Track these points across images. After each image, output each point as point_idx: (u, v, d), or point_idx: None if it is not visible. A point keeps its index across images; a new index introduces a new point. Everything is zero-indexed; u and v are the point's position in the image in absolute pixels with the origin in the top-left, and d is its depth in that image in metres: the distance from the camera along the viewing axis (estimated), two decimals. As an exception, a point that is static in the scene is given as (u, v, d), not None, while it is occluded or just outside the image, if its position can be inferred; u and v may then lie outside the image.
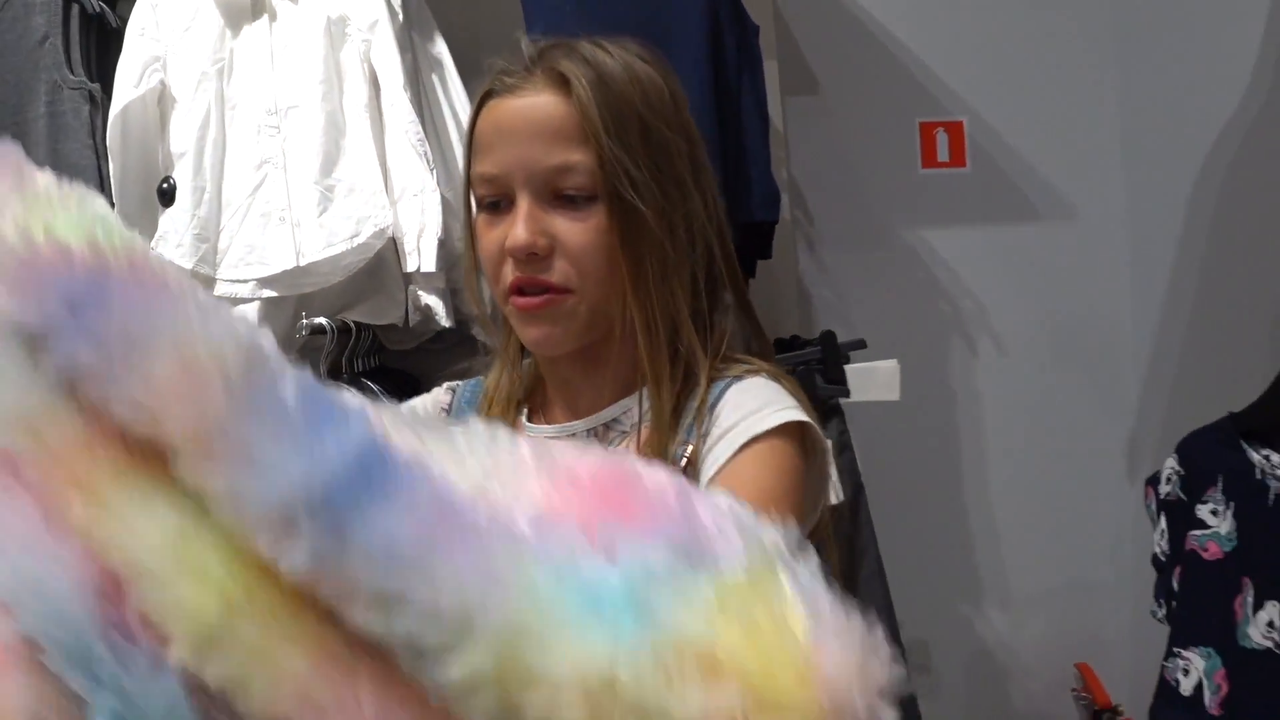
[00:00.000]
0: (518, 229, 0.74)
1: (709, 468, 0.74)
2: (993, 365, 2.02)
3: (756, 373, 0.80)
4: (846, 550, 1.47)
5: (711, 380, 0.78)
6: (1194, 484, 1.28)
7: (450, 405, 0.92)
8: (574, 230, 0.75)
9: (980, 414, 2.02)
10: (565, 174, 0.75)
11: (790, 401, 0.77)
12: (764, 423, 0.74)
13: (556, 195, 0.75)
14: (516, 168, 0.75)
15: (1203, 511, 1.23)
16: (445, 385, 0.95)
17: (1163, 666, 1.25)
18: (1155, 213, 1.94)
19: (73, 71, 1.55)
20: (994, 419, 2.02)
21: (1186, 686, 1.19)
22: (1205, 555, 1.21)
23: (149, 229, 1.49)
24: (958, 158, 2.01)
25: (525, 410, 0.87)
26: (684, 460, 0.75)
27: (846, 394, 1.49)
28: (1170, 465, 1.33)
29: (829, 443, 0.76)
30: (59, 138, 1.53)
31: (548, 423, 0.84)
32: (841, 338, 1.53)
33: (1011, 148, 2.01)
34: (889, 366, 1.52)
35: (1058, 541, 2.03)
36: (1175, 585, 1.29)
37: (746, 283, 1.65)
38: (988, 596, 2.05)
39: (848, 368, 1.50)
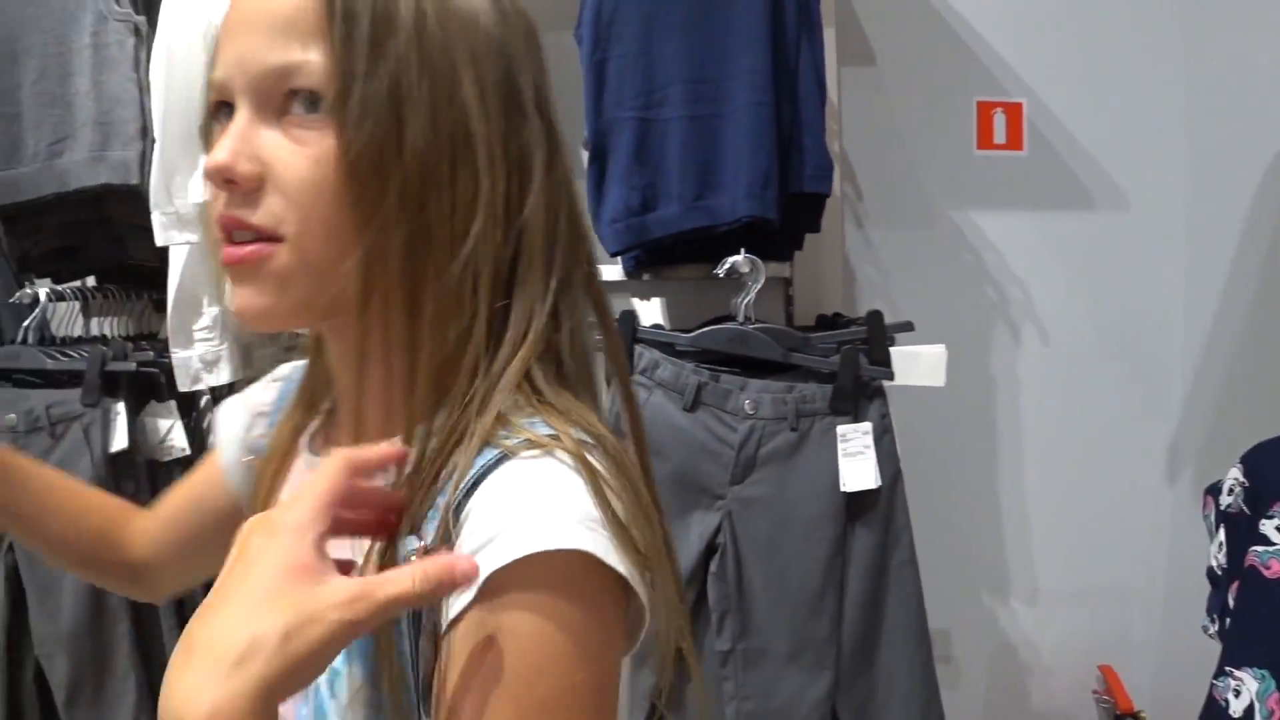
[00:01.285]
0: (217, 148, 0.55)
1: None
2: (1036, 355, 1.99)
3: (545, 448, 0.52)
4: (881, 534, 1.47)
5: (486, 441, 0.53)
6: (1260, 497, 1.26)
7: (271, 406, 0.75)
8: (289, 154, 0.54)
9: (1019, 404, 2.00)
10: (289, 77, 0.54)
11: (572, 512, 0.49)
12: (496, 559, 0.48)
13: (284, 111, 0.55)
14: (235, 68, 0.55)
15: (1267, 527, 1.21)
16: (271, 376, 0.78)
17: (1212, 685, 1.24)
18: (1216, 208, 1.91)
19: (119, 3, 1.53)
20: (1033, 410, 2.00)
21: (1236, 708, 1.17)
22: (1267, 573, 1.19)
23: (190, 166, 1.48)
24: (1014, 140, 1.97)
25: (313, 428, 0.68)
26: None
27: (891, 376, 1.47)
28: (1234, 476, 1.31)
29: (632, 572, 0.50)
30: (103, 69, 1.51)
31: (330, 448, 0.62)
32: (884, 317, 1.52)
33: (1070, 133, 1.97)
34: (935, 352, 1.50)
35: (1090, 540, 2.01)
36: (1230, 601, 1.28)
37: (792, 257, 1.66)
38: (1015, 590, 2.04)
39: (893, 350, 1.49)
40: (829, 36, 1.62)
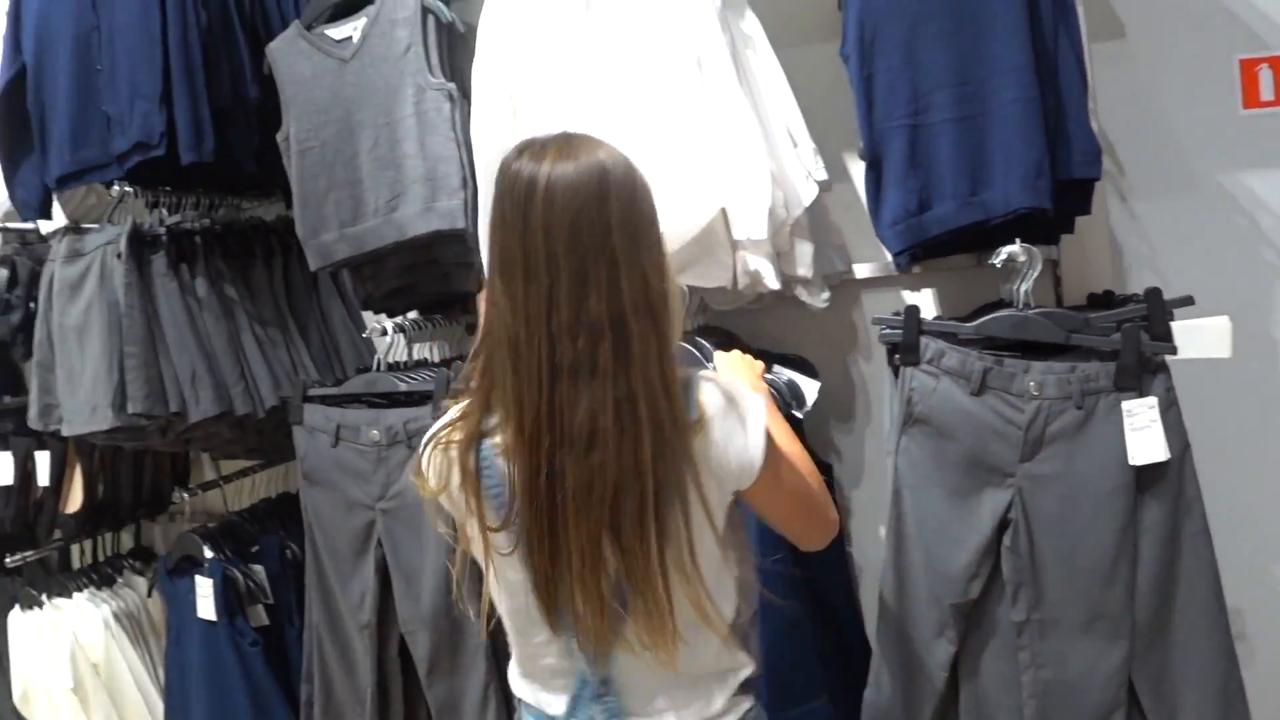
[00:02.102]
0: None
1: None
2: (1323, 317, 1.93)
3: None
4: (1171, 505, 1.49)
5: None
6: None
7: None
8: None
9: (1308, 371, 1.94)
10: None
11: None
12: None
13: None
14: None
15: None
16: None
17: None
18: None
19: (432, 74, 1.79)
20: (1323, 376, 1.93)
21: None
22: None
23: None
24: (1285, 95, 1.92)
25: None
26: None
27: (1174, 351, 1.49)
28: None
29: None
30: (426, 133, 1.78)
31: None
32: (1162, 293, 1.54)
33: (1346, 81, 1.89)
34: (1219, 324, 1.51)
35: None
36: None
37: (1059, 240, 1.70)
38: (1311, 563, 1.97)
39: (1174, 324, 1.51)
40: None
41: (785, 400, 1.62)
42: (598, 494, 1.03)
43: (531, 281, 1.03)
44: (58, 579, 2.65)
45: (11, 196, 2.27)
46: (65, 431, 2.07)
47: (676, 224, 1.57)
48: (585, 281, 1.02)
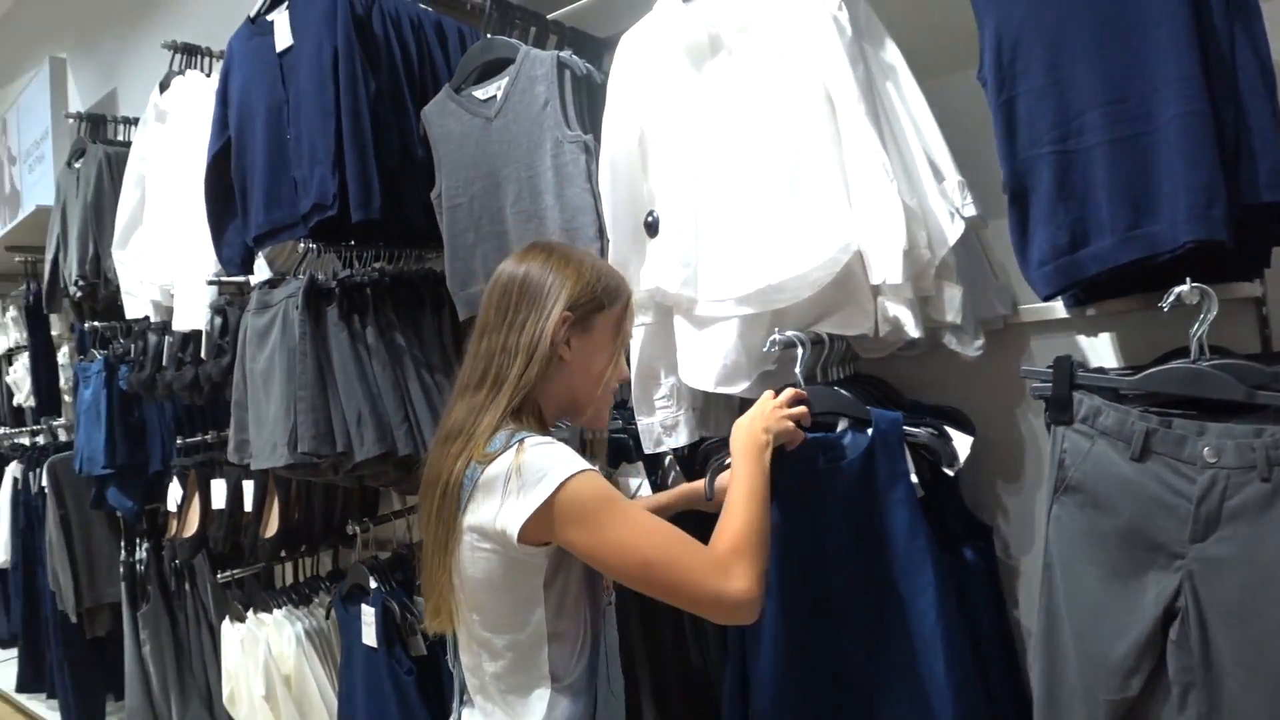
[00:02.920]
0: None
1: None
2: None
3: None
4: None
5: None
6: None
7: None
8: None
9: None
10: None
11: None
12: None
13: None
14: None
15: None
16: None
17: None
18: None
19: (569, 127, 1.79)
20: None
21: None
22: None
23: (639, 258, 1.69)
24: None
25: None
26: None
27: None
28: None
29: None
30: (563, 184, 1.78)
31: None
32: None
33: None
34: None
35: None
36: None
37: (1262, 274, 1.45)
38: None
39: None
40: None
41: (935, 454, 1.48)
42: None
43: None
44: (261, 596, 2.89)
45: (218, 255, 2.49)
46: (253, 466, 2.23)
47: (810, 268, 1.49)
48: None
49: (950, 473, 1.49)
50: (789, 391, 1.47)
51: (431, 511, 1.31)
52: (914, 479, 1.44)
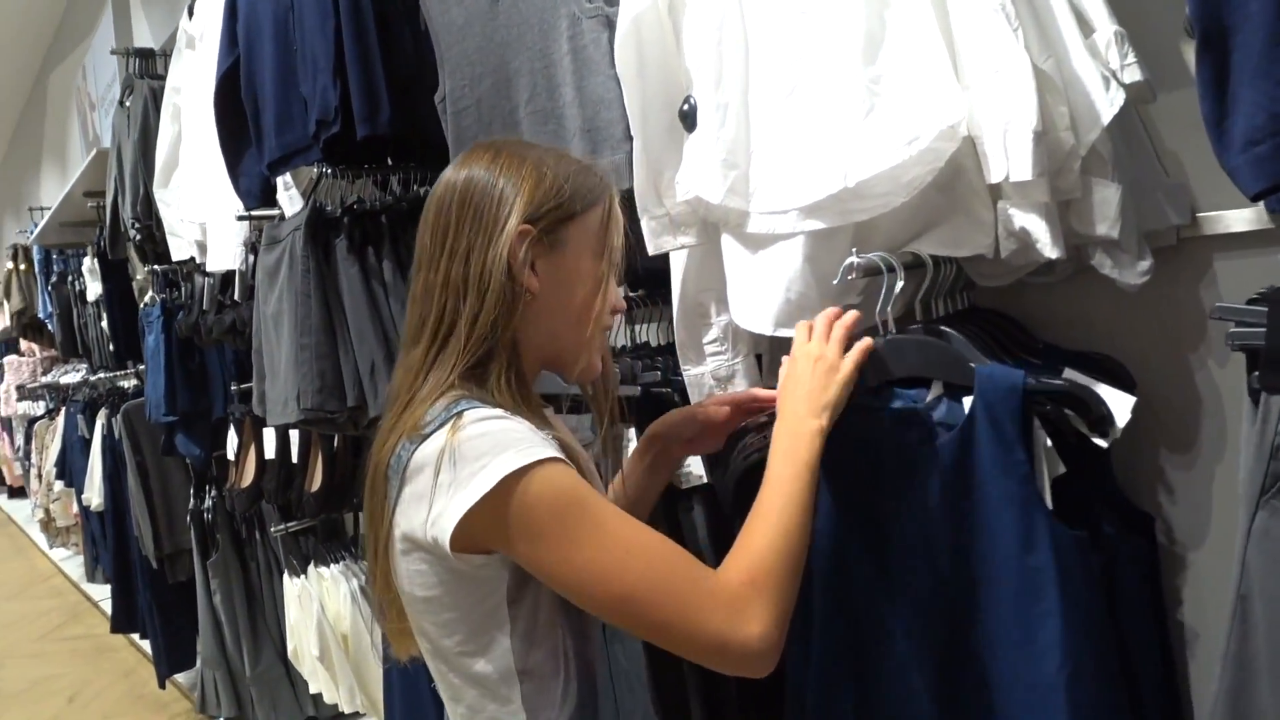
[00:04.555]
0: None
1: None
2: None
3: None
4: None
5: None
6: None
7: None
8: None
9: None
10: None
11: None
12: None
13: None
14: None
15: None
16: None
17: None
18: None
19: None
20: None
21: None
22: None
23: (676, 160, 1.26)
24: None
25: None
26: None
27: None
28: None
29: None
30: (583, 72, 1.35)
31: None
32: None
33: None
34: None
35: None
36: None
37: None
38: None
39: None
40: None
41: (1081, 418, 1.03)
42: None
43: None
44: (320, 550, 2.69)
45: (235, 187, 2.18)
46: (269, 422, 1.93)
47: (902, 162, 1.04)
48: None
49: (1103, 444, 1.03)
50: (847, 317, 1.05)
51: (366, 504, 0.95)
52: (1036, 465, 1.00)
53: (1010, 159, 0.98)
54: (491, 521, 0.83)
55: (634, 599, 0.82)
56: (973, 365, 1.03)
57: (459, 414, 0.87)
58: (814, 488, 0.93)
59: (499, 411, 0.89)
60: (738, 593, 0.83)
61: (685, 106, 1.20)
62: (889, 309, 1.08)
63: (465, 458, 0.84)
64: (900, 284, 1.08)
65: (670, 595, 0.82)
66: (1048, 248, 1.01)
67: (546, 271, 0.96)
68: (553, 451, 0.86)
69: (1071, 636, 0.96)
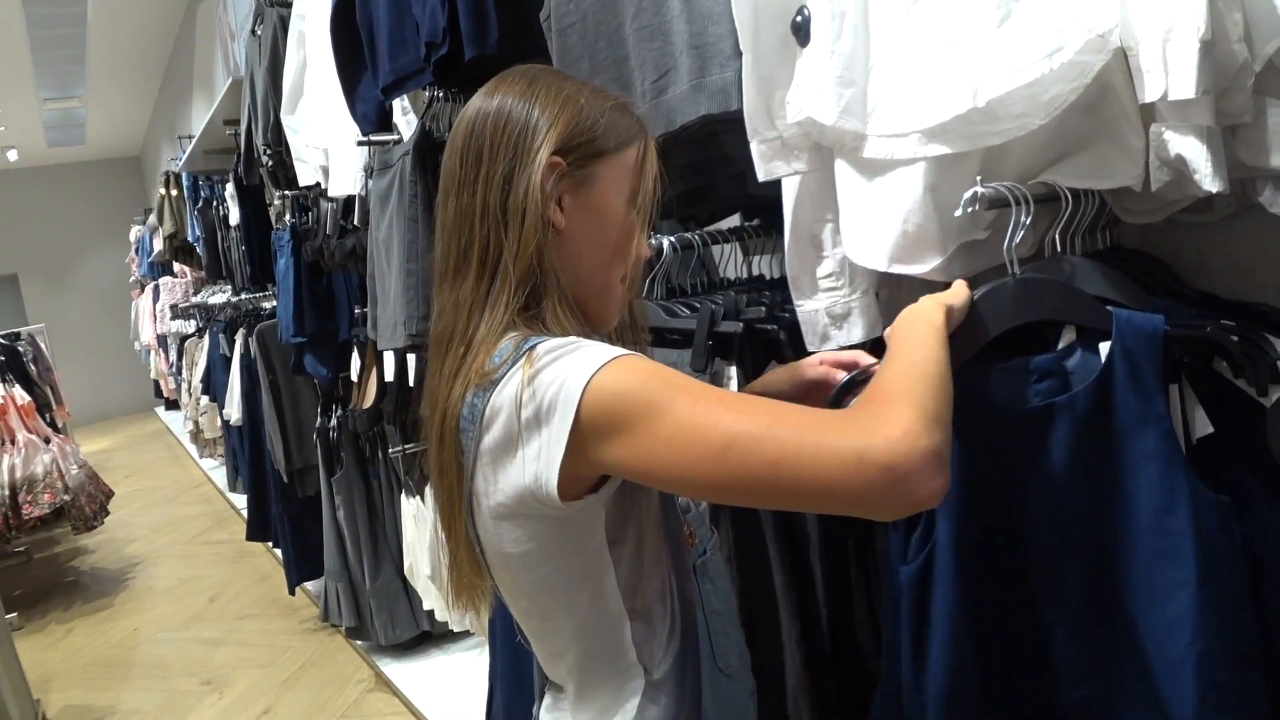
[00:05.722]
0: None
1: None
2: None
3: None
4: None
5: None
6: None
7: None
8: None
9: None
10: None
11: None
12: None
13: None
14: None
15: None
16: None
17: None
18: None
19: (708, -99, 1.26)
20: None
21: None
22: None
23: (788, 78, 1.16)
24: None
25: None
26: None
27: None
28: None
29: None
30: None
31: None
32: None
33: None
34: None
35: None
36: None
37: None
38: None
39: None
40: None
41: (1241, 371, 0.91)
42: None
43: None
44: None
45: (352, 112, 2.18)
46: (379, 346, 1.95)
47: (1040, 78, 0.92)
48: None
49: (1266, 402, 0.91)
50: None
51: (433, 456, 0.91)
52: (1179, 420, 0.88)
53: (1170, 73, 0.85)
54: (584, 441, 0.79)
55: (736, 443, 0.72)
56: (1112, 310, 0.91)
57: (531, 349, 0.82)
58: (946, 352, 0.82)
59: (570, 339, 0.84)
60: (865, 408, 0.73)
61: (799, 18, 1.10)
62: (1013, 247, 0.97)
63: (545, 387, 0.80)
64: (1028, 218, 0.96)
65: (781, 423, 0.72)
66: (1208, 179, 0.88)
67: (573, 209, 0.90)
68: (627, 351, 0.81)
69: (1206, 610, 0.86)
